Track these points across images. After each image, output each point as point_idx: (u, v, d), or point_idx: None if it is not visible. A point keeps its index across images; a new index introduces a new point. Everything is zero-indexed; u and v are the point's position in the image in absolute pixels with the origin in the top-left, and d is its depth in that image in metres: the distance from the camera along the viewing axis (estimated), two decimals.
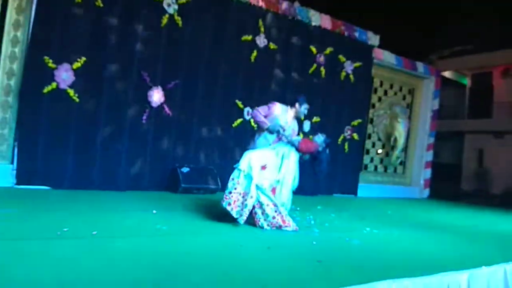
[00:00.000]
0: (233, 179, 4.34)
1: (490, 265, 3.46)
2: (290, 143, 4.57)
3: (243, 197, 4.29)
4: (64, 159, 6.24)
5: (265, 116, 4.65)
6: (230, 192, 4.30)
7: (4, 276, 2.30)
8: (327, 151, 4.70)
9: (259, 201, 4.35)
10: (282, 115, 4.67)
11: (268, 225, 4.38)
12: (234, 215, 4.27)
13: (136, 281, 2.41)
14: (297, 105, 4.70)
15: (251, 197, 4.28)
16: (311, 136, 4.84)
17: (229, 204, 4.27)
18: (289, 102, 4.85)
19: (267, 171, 4.38)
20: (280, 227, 4.39)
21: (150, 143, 7.04)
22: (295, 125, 4.80)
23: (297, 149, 4.57)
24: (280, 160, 4.48)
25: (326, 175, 9.15)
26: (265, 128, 4.60)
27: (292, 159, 4.55)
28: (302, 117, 4.74)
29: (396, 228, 5.41)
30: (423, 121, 11.71)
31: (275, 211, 4.38)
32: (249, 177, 4.29)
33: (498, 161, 17.16)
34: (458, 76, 20.23)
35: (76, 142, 6.32)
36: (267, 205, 4.36)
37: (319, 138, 4.67)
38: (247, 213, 4.30)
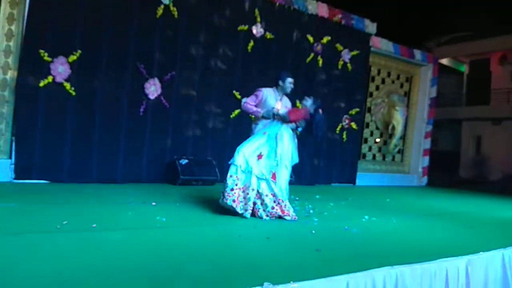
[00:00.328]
0: (231, 176, 4.34)
1: (488, 250, 3.48)
2: (283, 119, 4.54)
3: (243, 191, 4.34)
4: (62, 153, 6.23)
5: (256, 105, 4.65)
6: (232, 189, 4.30)
7: (4, 270, 2.31)
8: (320, 111, 4.68)
9: (258, 192, 4.37)
10: (271, 97, 4.65)
11: (267, 215, 4.40)
12: (239, 210, 4.30)
13: (136, 273, 2.42)
14: (280, 82, 4.66)
15: (253, 189, 4.32)
16: (298, 103, 4.78)
17: (234, 201, 4.30)
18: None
19: (263, 159, 4.39)
20: (279, 217, 4.41)
21: (148, 135, 7.03)
22: (287, 102, 4.78)
23: (290, 121, 4.53)
24: (274, 142, 4.47)
25: (326, 165, 9.28)
26: (260, 116, 4.61)
27: (286, 139, 4.51)
28: (289, 91, 4.72)
29: (395, 216, 5.44)
30: (421, 109, 11.69)
31: (274, 202, 4.40)
32: (247, 171, 4.32)
33: (496, 148, 17.21)
34: (456, 63, 20.20)
35: (73, 135, 6.31)
36: (266, 195, 4.38)
37: (307, 102, 4.63)
38: (252, 205, 4.35)
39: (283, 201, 4.44)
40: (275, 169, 4.42)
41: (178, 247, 3.11)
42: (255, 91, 4.73)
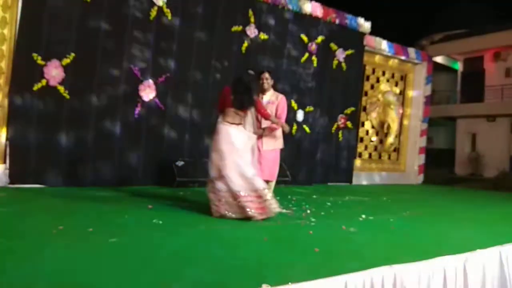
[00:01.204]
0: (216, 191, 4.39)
1: (485, 248, 3.49)
2: None
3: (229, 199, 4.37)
4: (57, 157, 6.19)
5: None
6: (220, 200, 4.36)
7: None
8: (251, 72, 4.70)
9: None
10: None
11: (256, 212, 4.31)
12: (254, 216, 4.28)
13: (133, 276, 2.41)
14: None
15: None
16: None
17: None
18: (281, 91, 4.81)
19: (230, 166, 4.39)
20: (263, 209, 4.32)
21: (143, 138, 7.00)
22: (268, 97, 5.16)
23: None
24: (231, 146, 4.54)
25: (322, 165, 9.30)
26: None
27: (235, 136, 4.63)
28: (265, 86, 4.89)
29: (392, 214, 5.45)
30: (416, 107, 11.74)
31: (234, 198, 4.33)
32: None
33: (491, 145, 17.32)
34: (450, 61, 20.30)
35: (68, 139, 6.28)
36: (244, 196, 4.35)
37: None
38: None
39: (243, 196, 4.28)
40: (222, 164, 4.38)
41: (175, 250, 3.10)
42: None
